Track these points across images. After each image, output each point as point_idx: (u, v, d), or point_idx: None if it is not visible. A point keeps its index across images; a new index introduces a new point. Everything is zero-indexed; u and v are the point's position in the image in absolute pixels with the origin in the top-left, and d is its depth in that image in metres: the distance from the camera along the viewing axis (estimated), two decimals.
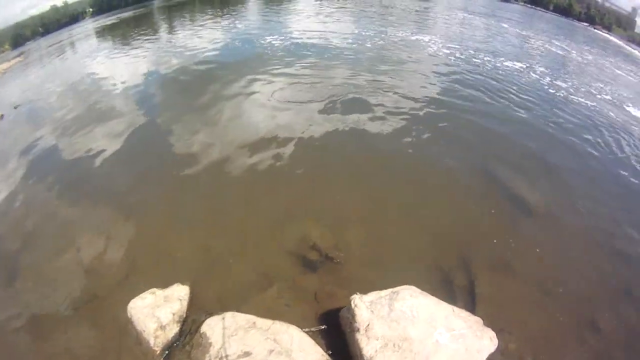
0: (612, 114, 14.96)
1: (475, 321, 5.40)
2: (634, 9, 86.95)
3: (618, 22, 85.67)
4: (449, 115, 10.91)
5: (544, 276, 6.37)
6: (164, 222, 6.90)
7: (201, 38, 21.22)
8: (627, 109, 16.52)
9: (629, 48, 60.54)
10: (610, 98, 17.62)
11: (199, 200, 7.29)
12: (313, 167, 8.19)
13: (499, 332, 5.29)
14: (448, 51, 18.48)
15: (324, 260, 6.01)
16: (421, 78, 13.74)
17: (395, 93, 11.81)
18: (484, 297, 5.90)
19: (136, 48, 20.96)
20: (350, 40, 19.21)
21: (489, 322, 5.43)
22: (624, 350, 5.68)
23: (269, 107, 10.61)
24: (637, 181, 9.87)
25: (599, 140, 11.75)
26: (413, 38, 20.53)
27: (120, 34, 29.73)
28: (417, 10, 34.13)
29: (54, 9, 46.24)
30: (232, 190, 7.45)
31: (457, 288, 6.04)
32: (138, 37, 24.65)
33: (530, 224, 7.50)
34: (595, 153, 10.87)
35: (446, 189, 8.08)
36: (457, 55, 18.14)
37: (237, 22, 27.08)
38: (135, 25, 33.10)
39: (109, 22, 38.13)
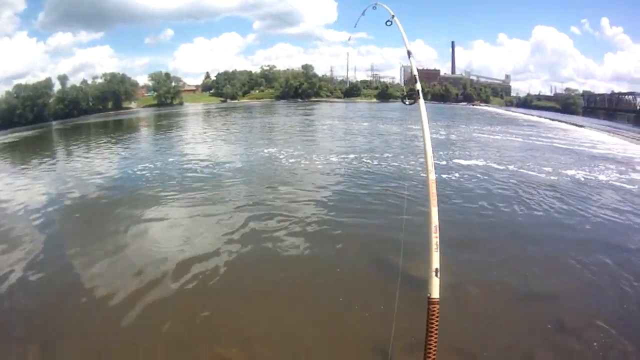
0: (482, 176, 17.13)
1: None
2: (507, 76, 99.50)
3: (495, 92, 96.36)
4: (342, 221, 11.83)
5: (464, 342, 6.52)
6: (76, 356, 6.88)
7: (96, 165, 21.43)
8: (506, 167, 18.88)
9: (507, 112, 68.54)
10: (485, 161, 20.17)
11: (109, 335, 7.36)
12: (218, 290, 8.51)
13: None
14: (334, 161, 20.14)
15: None
16: (310, 191, 14.93)
17: (287, 212, 12.64)
18: None
19: (36, 171, 21.21)
20: (238, 163, 20.22)
21: None
22: None
23: (166, 238, 11.06)
24: (530, 232, 11.05)
25: (476, 200, 13.48)
26: (298, 154, 22.07)
27: (20, 154, 29.49)
28: (300, 127, 37.17)
29: None
30: (137, 324, 7.52)
31: None
32: (37, 160, 24.48)
33: (441, 301, 7.88)
34: (480, 212, 12.23)
35: (352, 289, 8.50)
36: (341, 163, 19.93)
37: (129, 149, 28.11)
38: (35, 146, 33.94)
39: (9, 140, 38.92)
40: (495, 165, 19.46)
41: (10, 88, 60.22)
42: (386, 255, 9.62)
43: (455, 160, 20.49)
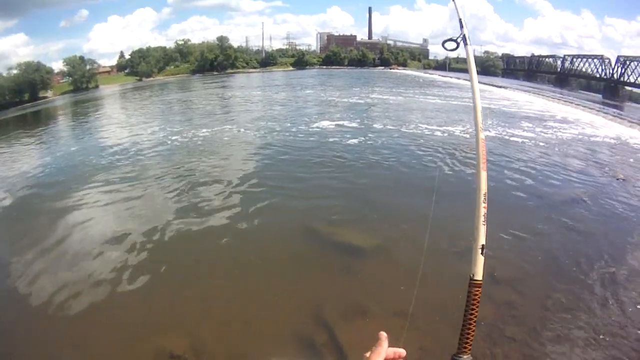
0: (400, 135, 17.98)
1: None
2: (425, 40, 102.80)
3: (412, 56, 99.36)
4: (266, 192, 11.84)
5: (399, 302, 6.67)
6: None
7: (14, 165, 19.92)
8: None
9: (425, 74, 70.71)
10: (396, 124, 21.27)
11: (54, 331, 6.90)
12: (152, 276, 8.16)
13: None
14: (253, 133, 20.22)
15: None
16: (236, 163, 14.80)
17: (214, 183, 12.61)
18: (350, 343, 5.98)
19: None
20: (160, 141, 19.79)
21: None
22: (514, 326, 6.14)
23: (102, 228, 10.52)
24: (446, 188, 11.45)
25: (396, 161, 14.37)
26: (220, 128, 21.80)
27: None
28: (214, 101, 36.90)
29: None
30: (73, 322, 7.11)
31: (322, 346, 6.05)
32: None
33: (367, 263, 8.12)
34: (396, 172, 13.14)
35: (278, 260, 8.48)
36: (261, 134, 20.07)
37: (51, 139, 26.50)
38: None
39: None
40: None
41: None
42: (321, 229, 9.58)
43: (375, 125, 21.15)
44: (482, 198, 1.71)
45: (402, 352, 1.48)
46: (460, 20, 2.41)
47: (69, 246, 10.18)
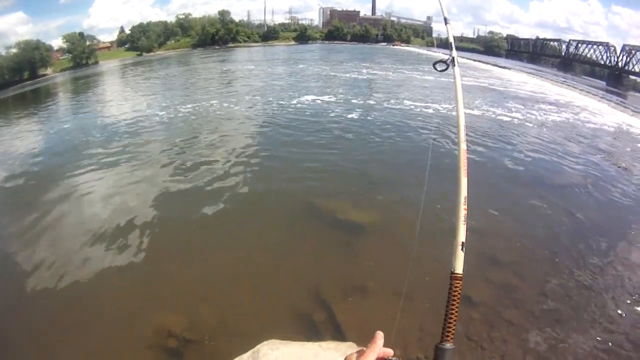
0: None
1: (347, 346, 5.67)
2: (429, 17, 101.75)
3: (416, 33, 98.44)
4: (264, 168, 11.91)
5: (396, 282, 6.60)
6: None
7: (15, 141, 19.71)
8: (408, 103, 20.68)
9: (428, 52, 70.14)
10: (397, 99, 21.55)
11: (46, 315, 6.95)
12: (152, 254, 8.19)
13: None
14: (250, 108, 20.42)
15: (184, 344, 6.04)
16: (233, 138, 14.81)
17: (212, 159, 12.60)
18: (348, 322, 6.04)
19: None
20: (154, 116, 19.97)
21: (361, 342, 5.77)
22: (513, 309, 6.31)
23: (102, 205, 10.52)
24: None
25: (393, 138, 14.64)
26: (215, 103, 21.79)
27: None
28: (216, 75, 37.11)
29: None
30: (73, 301, 7.15)
31: (320, 324, 6.18)
32: None
33: (367, 240, 8.21)
34: (394, 150, 13.43)
35: (278, 237, 8.53)
36: (258, 109, 20.18)
37: (48, 117, 26.22)
38: None
39: None
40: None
41: None
42: (320, 204, 9.65)
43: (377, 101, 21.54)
44: (463, 201, 1.91)
45: (390, 352, 1.49)
46: (450, 43, 2.71)
47: (66, 223, 10.14)
